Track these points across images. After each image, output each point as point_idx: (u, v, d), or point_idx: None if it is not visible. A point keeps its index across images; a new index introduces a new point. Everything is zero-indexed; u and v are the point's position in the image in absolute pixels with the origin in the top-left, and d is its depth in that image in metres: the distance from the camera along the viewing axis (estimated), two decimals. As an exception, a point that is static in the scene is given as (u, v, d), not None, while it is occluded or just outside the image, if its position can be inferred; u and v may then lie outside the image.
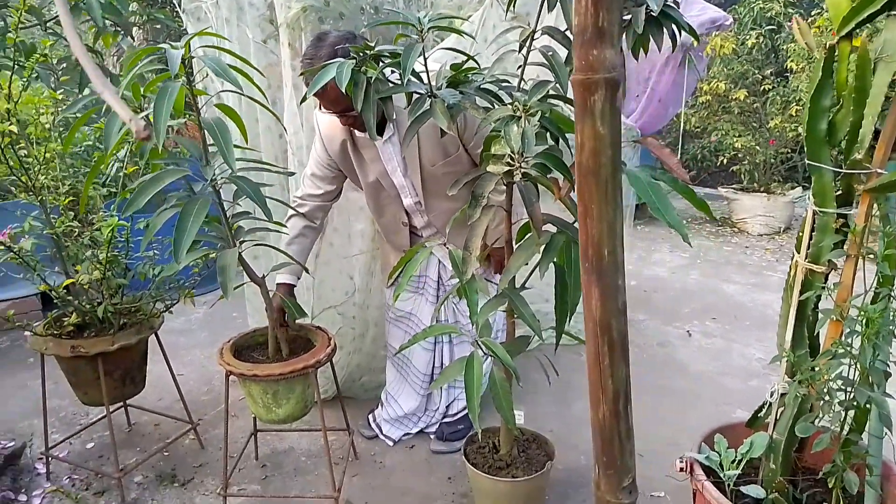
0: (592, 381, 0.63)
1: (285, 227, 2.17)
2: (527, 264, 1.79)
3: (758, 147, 5.78)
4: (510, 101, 1.73)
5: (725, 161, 6.26)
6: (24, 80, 2.18)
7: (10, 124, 2.00)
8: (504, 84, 1.80)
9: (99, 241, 2.18)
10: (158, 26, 5.39)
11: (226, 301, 1.84)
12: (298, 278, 2.31)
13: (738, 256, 5.25)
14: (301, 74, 1.83)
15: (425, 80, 1.73)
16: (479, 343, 1.81)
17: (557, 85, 1.67)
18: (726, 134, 5.89)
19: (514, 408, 1.89)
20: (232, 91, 1.73)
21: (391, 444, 2.66)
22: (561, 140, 1.70)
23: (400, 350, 2.08)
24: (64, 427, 2.86)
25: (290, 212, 2.27)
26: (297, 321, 2.25)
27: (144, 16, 4.44)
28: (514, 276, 1.81)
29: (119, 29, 3.86)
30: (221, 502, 2.20)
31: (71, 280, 2.24)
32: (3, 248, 2.12)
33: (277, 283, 2.26)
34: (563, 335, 1.83)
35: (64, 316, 2.38)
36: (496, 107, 1.69)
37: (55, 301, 2.32)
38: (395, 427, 2.69)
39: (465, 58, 1.79)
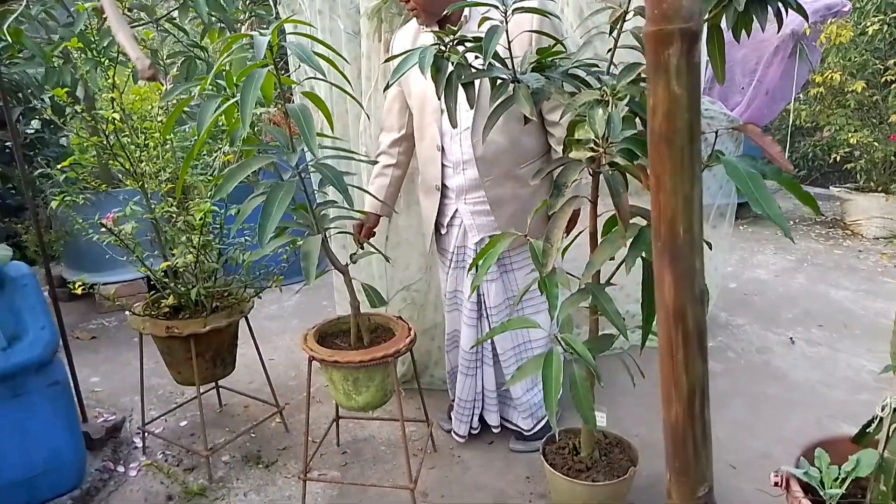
0: (665, 377, 0.57)
1: (364, 214, 2.18)
2: (612, 259, 1.71)
3: (876, 143, 5.34)
4: (598, 85, 1.65)
5: (839, 158, 5.82)
6: (131, 70, 2.29)
7: (113, 112, 2.11)
8: (593, 69, 1.72)
9: (193, 226, 2.27)
10: (262, 24, 5.60)
11: (317, 290, 1.87)
12: (387, 217, 2.38)
13: (849, 260, 4.88)
14: (386, 61, 1.82)
15: (509, 65, 1.68)
16: (559, 340, 1.75)
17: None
18: (840, 129, 5.47)
19: (594, 408, 1.81)
20: (317, 79, 1.74)
21: (460, 440, 2.60)
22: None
23: (476, 345, 2.03)
24: (161, 404, 3.00)
25: (377, 153, 2.38)
26: (377, 310, 2.26)
27: (248, 12, 4.61)
28: (599, 271, 1.73)
29: (224, 25, 4.02)
30: (302, 485, 2.24)
31: (167, 263, 2.34)
32: (105, 231, 2.24)
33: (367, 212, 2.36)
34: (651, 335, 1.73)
35: (162, 298, 2.50)
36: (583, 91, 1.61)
37: (155, 284, 2.43)
38: (458, 420, 2.60)
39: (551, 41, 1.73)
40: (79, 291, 2.18)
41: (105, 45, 2.75)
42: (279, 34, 1.78)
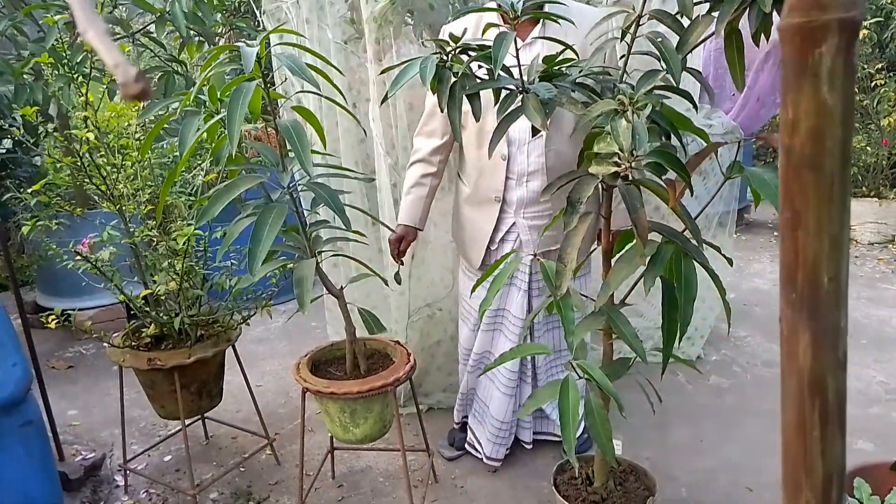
0: (792, 459, 0.46)
1: (364, 236, 2.05)
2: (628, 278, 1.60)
3: (868, 148, 5.31)
4: (611, 94, 1.55)
5: (829, 164, 5.77)
6: (105, 87, 2.15)
7: (87, 131, 1.96)
8: (604, 77, 1.62)
9: (176, 250, 2.13)
10: (242, 36, 5.47)
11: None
12: (420, 229, 2.27)
13: (846, 267, 4.81)
14: (382, 72, 1.71)
15: (516, 75, 1.57)
16: (575, 366, 1.63)
17: (668, 75, 1.47)
18: (831, 134, 5.42)
19: (612, 437, 1.70)
20: (310, 92, 1.62)
21: (496, 464, 2.44)
22: (673, 138, 1.51)
23: (486, 371, 1.90)
24: (143, 438, 2.84)
25: (410, 160, 2.27)
26: (375, 335, 2.13)
27: (228, 25, 4.48)
28: (613, 292, 1.62)
29: (203, 39, 3.89)
30: (297, 525, 2.10)
31: (148, 291, 2.19)
32: (80, 258, 2.09)
33: (398, 224, 2.24)
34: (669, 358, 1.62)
35: (143, 326, 2.35)
36: (596, 101, 1.51)
37: (134, 311, 2.28)
38: (494, 444, 2.43)
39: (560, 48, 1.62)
40: (52, 326, 2.02)
41: (78, 60, 2.61)
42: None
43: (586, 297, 2.09)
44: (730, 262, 1.69)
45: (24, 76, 2.96)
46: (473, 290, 1.87)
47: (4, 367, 1.99)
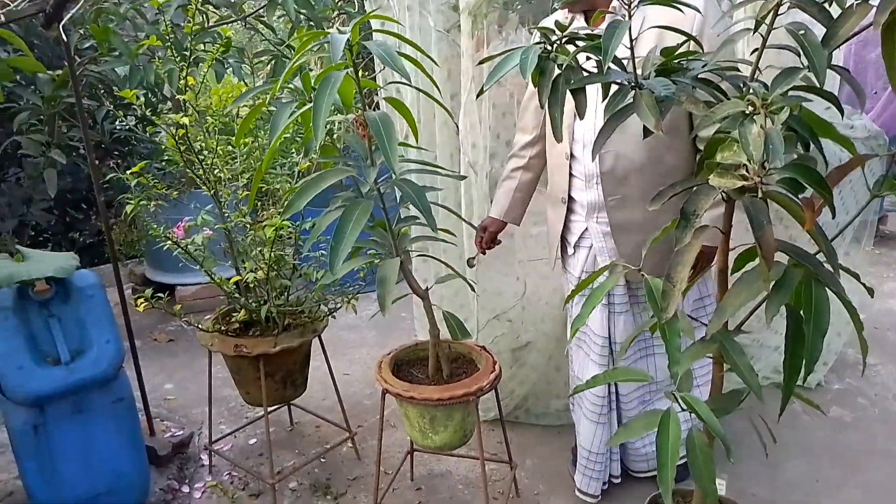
0: None
1: (454, 235, 1.94)
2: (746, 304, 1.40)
3: None
4: (739, 93, 1.35)
5: None
6: (205, 70, 2.15)
7: (183, 116, 1.96)
8: (731, 73, 1.42)
9: (264, 240, 2.10)
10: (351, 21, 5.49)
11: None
12: (506, 222, 2.17)
13: None
14: (481, 62, 1.58)
15: (629, 68, 1.40)
16: (678, 397, 1.45)
17: (809, 74, 1.26)
18: None
19: (715, 478, 1.51)
20: (401, 83, 1.52)
21: (591, 500, 2.22)
22: (813, 147, 1.29)
23: (574, 392, 1.74)
24: (232, 418, 2.88)
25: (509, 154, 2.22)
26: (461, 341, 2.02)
27: (338, 9, 4.48)
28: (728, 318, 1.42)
29: (312, 23, 3.90)
30: (370, 528, 2.04)
31: (237, 277, 2.19)
32: (171, 243, 2.11)
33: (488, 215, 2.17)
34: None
35: (233, 311, 2.36)
36: (722, 101, 1.32)
37: (226, 296, 2.29)
38: (585, 476, 2.22)
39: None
40: (141, 309, 2.05)
41: (186, 44, 2.64)
42: (363, 31, 1.57)
43: (696, 319, 1.89)
44: (870, 292, 1.45)
45: (138, 57, 3.05)
46: (567, 301, 1.72)
47: (99, 344, 2.04)
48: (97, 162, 4.05)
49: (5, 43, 3.14)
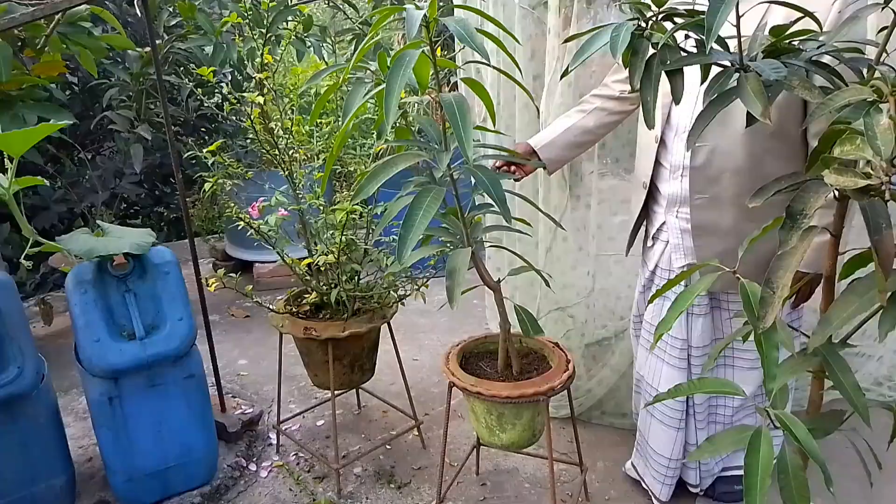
0: None
1: (530, 225, 1.84)
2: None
3: None
4: (861, 79, 1.19)
5: None
6: (283, 49, 2.11)
7: (258, 94, 1.94)
8: (852, 55, 1.26)
9: (335, 224, 2.06)
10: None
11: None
12: (545, 163, 2.00)
13: None
14: (567, 40, 1.47)
15: (732, 48, 1.27)
16: (772, 415, 1.32)
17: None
18: None
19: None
20: (480, 62, 1.43)
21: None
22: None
23: (655, 401, 1.60)
24: (301, 398, 2.89)
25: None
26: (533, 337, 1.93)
27: (420, -12, 4.40)
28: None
29: (396, 1, 3.84)
30: (432, 521, 1.99)
31: (309, 260, 2.16)
32: (245, 224, 2.10)
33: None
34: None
35: (305, 293, 2.35)
36: (841, 87, 1.16)
37: (297, 277, 2.28)
38: (657, 480, 2.10)
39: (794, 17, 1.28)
40: (212, 289, 2.06)
41: (268, 22, 2.63)
42: (443, 6, 1.48)
43: (796, 329, 1.72)
44: None
45: (223, 35, 3.07)
46: (650, 301, 1.59)
47: (172, 320, 2.06)
48: (184, 138, 4.16)
49: (101, 21, 3.23)
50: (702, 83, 1.32)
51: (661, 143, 1.85)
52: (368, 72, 1.70)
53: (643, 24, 1.29)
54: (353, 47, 3.70)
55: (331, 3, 3.92)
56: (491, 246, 1.97)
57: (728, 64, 1.26)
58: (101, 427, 2.06)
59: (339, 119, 2.35)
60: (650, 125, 1.30)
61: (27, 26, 2.84)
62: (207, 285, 2.06)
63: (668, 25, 1.28)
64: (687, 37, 1.34)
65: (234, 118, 4.59)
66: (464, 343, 2.04)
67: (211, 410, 2.25)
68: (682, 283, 1.48)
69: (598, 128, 2.01)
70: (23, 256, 1.93)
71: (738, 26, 1.21)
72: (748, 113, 1.24)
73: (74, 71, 3.94)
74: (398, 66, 1.32)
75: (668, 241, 1.91)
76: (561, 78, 1.67)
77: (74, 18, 2.93)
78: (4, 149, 1.71)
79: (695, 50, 1.31)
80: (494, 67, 1.48)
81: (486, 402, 1.83)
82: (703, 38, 1.19)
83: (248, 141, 4.05)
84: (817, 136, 1.67)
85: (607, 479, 2.29)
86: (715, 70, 1.29)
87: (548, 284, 1.81)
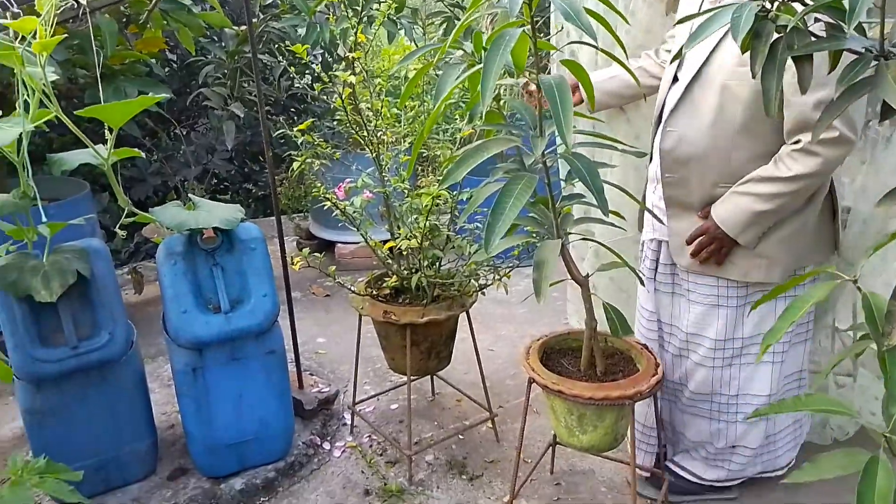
0: None
1: (623, 218, 1.75)
2: None
3: None
4: None
5: None
6: (376, 29, 2.08)
7: (350, 74, 1.91)
8: None
9: (419, 208, 2.03)
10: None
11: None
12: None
13: None
14: (678, 22, 1.36)
15: (870, 34, 1.14)
16: (889, 440, 1.19)
17: None
18: None
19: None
20: (585, 43, 1.35)
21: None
22: None
23: (758, 414, 1.51)
24: (377, 379, 2.90)
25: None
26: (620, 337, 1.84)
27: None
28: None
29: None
30: (504, 517, 1.94)
31: (392, 244, 2.14)
32: (331, 203, 2.09)
33: None
34: None
35: (386, 276, 2.33)
36: None
37: (379, 260, 2.26)
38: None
39: None
40: (297, 268, 2.06)
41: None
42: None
43: None
44: None
45: (317, 15, 3.08)
46: (754, 307, 1.46)
47: (257, 296, 2.08)
48: (274, 117, 4.23)
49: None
50: (830, 71, 1.19)
51: (658, 120, 1.87)
52: (462, 53, 1.64)
53: (767, 5, 1.17)
54: (442, 30, 3.65)
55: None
56: (581, 238, 1.88)
57: (862, 51, 1.13)
58: (183, 396, 2.11)
59: (423, 103, 2.31)
60: (770, 112, 1.18)
61: (131, 2, 2.94)
62: (292, 264, 2.07)
63: (798, 6, 1.16)
64: (816, 20, 1.22)
65: (323, 98, 4.66)
66: (545, 338, 1.97)
67: (289, 387, 2.27)
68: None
69: (641, 86, 1.97)
70: (118, 226, 1.99)
71: (882, 8, 1.08)
72: (884, 104, 1.11)
73: (174, 48, 4.08)
74: (497, 46, 1.25)
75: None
76: (671, 62, 1.56)
77: (176, -5, 3.01)
78: (105, 119, 1.75)
79: (823, 34, 1.18)
80: (603, 51, 1.39)
81: (567, 402, 1.75)
82: (838, 21, 1.07)
83: (336, 122, 4.09)
84: (790, 135, 1.63)
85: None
86: (847, 57, 1.16)
87: (642, 282, 1.72)
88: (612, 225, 1.59)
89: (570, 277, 1.70)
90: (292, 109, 4.74)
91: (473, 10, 1.44)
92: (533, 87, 1.54)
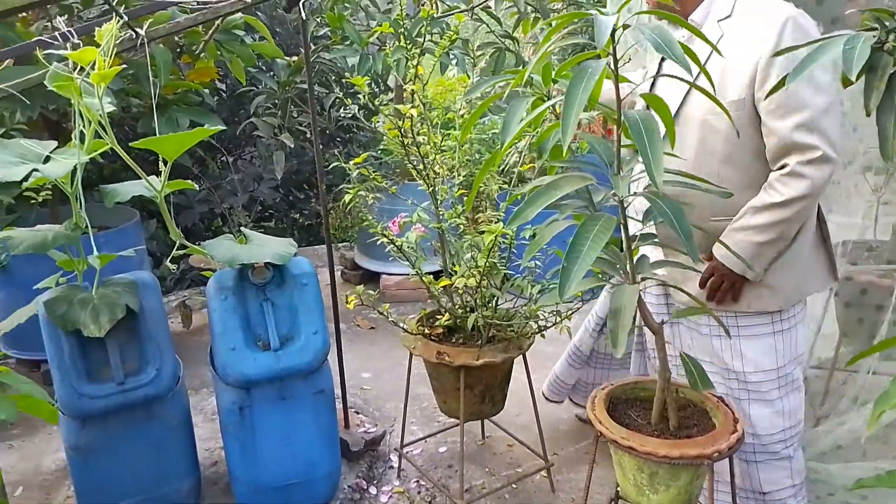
0: None
1: (704, 263, 1.64)
2: None
3: None
4: None
5: None
6: (435, 60, 2.02)
7: (412, 106, 1.85)
8: None
9: (479, 246, 1.94)
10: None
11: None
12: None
13: None
14: (778, 53, 1.26)
15: None
16: None
17: None
18: None
19: None
20: (673, 77, 1.25)
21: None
22: None
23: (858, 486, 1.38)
24: (424, 419, 2.79)
25: None
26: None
27: (566, 1, 4.25)
28: None
29: (539, 15, 3.71)
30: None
31: (447, 282, 2.05)
32: (384, 237, 2.02)
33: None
34: None
35: (438, 313, 2.24)
36: None
37: (432, 298, 2.18)
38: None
39: None
40: (351, 306, 1.99)
41: (416, 33, 2.57)
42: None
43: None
44: None
45: (369, 46, 3.05)
46: (851, 361, 1.34)
47: (307, 333, 2.01)
48: (321, 147, 4.22)
49: (252, 30, 3.31)
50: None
51: None
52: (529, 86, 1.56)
53: (885, 36, 1.07)
54: (495, 61, 3.60)
55: (473, 16, 3.84)
56: (658, 283, 1.77)
57: None
58: (229, 436, 2.04)
59: (461, 137, 2.23)
60: (888, 157, 1.07)
61: (186, 33, 2.94)
62: (347, 302, 1.99)
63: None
64: (939, 52, 1.10)
65: (368, 129, 4.63)
66: (610, 387, 1.84)
67: (337, 428, 2.18)
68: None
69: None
70: (169, 259, 1.94)
71: None
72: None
73: (223, 78, 4.11)
74: (580, 77, 1.16)
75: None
76: (766, 97, 1.45)
77: (229, 26, 3.01)
78: (160, 152, 1.71)
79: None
80: (695, 86, 1.29)
81: (638, 459, 1.62)
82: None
83: (381, 152, 4.06)
84: (775, 161, 1.62)
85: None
86: None
87: (727, 333, 1.59)
88: (692, 269, 1.47)
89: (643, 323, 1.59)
90: (337, 139, 4.73)
91: (547, 41, 1.36)
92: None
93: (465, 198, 2.13)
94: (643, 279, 1.50)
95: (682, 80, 1.37)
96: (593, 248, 1.29)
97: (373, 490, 2.32)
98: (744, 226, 1.67)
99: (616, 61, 1.25)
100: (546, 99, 1.51)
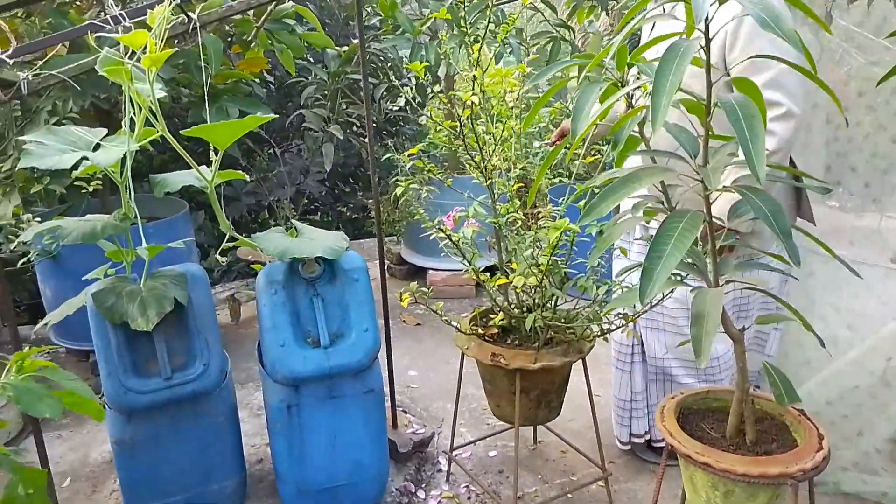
0: None
1: (788, 263, 1.50)
2: None
3: None
4: None
5: None
6: (497, 48, 1.92)
7: (472, 94, 1.75)
8: None
9: (541, 242, 1.83)
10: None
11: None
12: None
13: None
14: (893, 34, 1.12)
15: None
16: None
17: None
18: None
19: None
20: (770, 57, 1.13)
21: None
22: None
23: None
24: (472, 421, 2.69)
25: None
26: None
27: (623, -12, 4.09)
28: None
29: (595, 3, 3.57)
30: None
31: (504, 280, 1.95)
32: (440, 231, 1.93)
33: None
34: None
35: (491, 312, 2.14)
36: None
37: (489, 298, 2.08)
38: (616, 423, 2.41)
39: None
40: (405, 304, 1.90)
41: (473, 20, 2.47)
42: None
43: None
44: None
45: (422, 35, 2.96)
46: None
47: (358, 331, 1.93)
48: (365, 140, 4.15)
49: (302, 20, 3.25)
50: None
51: None
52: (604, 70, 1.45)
53: None
54: (549, 49, 3.47)
55: (528, 4, 3.72)
56: (747, 288, 1.64)
57: None
58: (276, 434, 1.98)
59: (524, 125, 2.12)
60: None
61: (237, 22, 2.89)
62: (401, 301, 1.90)
63: None
64: None
65: (415, 121, 4.54)
66: (681, 396, 1.72)
67: (386, 428, 2.10)
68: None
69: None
70: (218, 251, 1.89)
71: None
72: None
73: (272, 69, 4.06)
74: (669, 60, 1.05)
75: None
76: (878, 84, 1.31)
77: (280, 15, 2.95)
78: (211, 140, 1.65)
79: None
80: (795, 66, 1.16)
81: (712, 476, 1.50)
82: None
83: (428, 145, 3.97)
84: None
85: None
86: None
87: (822, 344, 1.45)
88: (785, 273, 1.34)
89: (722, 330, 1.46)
90: (384, 132, 4.66)
91: (629, 19, 1.24)
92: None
93: (520, 192, 2.03)
94: (727, 282, 1.37)
95: (787, 62, 1.24)
96: (677, 247, 1.17)
97: (421, 494, 2.23)
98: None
99: (708, 41, 1.13)
100: (621, 85, 1.39)
